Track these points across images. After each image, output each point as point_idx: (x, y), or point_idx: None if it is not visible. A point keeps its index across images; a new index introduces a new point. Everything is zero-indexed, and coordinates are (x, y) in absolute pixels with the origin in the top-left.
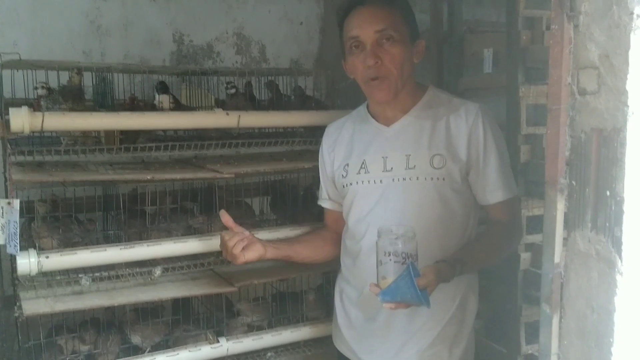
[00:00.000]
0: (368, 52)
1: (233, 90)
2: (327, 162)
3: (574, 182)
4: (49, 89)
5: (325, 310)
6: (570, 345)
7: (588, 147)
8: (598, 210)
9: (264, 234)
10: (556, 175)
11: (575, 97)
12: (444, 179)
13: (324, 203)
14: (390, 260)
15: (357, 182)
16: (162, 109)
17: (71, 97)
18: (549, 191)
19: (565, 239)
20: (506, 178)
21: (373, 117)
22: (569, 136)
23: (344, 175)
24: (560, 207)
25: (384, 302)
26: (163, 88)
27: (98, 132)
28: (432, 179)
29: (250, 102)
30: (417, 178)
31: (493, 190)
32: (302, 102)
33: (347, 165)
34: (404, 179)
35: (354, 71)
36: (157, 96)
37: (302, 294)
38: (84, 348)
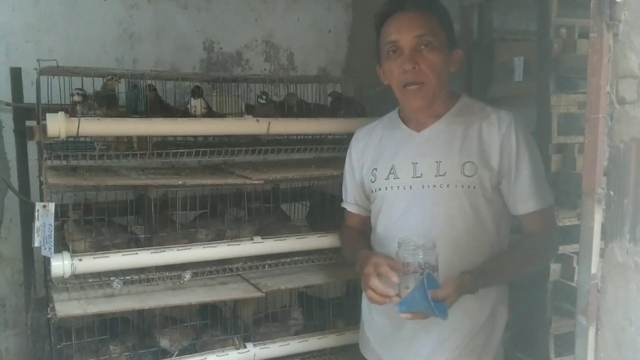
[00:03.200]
0: (406, 57)
1: (264, 100)
2: (356, 168)
3: (612, 193)
4: (85, 95)
5: (351, 318)
6: (607, 358)
7: (627, 157)
8: (637, 221)
9: (291, 241)
10: (594, 185)
11: (614, 106)
12: (475, 187)
13: (350, 207)
14: (409, 270)
15: (386, 188)
16: (194, 114)
17: (105, 103)
18: (586, 201)
19: (602, 250)
20: (539, 188)
21: (404, 122)
22: (608, 146)
23: (373, 180)
24: (598, 217)
25: (401, 312)
26: (198, 93)
27: (131, 137)
28: (462, 186)
29: (279, 110)
30: (448, 185)
31: (525, 200)
32: (341, 105)
33: (376, 169)
34: (434, 186)
35: (389, 76)
36: (191, 100)
37: (329, 301)
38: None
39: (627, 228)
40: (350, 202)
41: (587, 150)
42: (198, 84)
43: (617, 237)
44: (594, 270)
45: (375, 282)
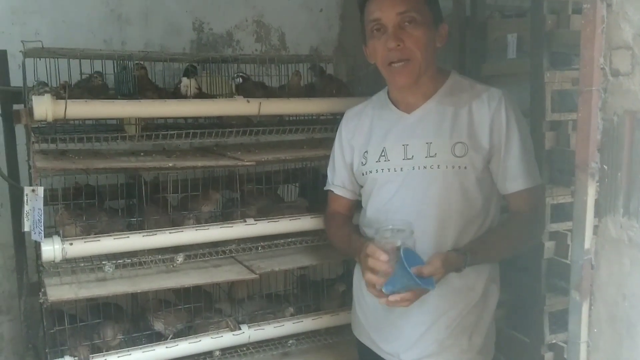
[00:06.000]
0: (390, 34)
1: (239, 80)
2: (347, 149)
3: (605, 167)
4: (43, 83)
5: (345, 299)
6: (600, 333)
7: (621, 130)
8: (630, 195)
9: (285, 222)
10: (587, 159)
11: (608, 78)
12: (465, 168)
13: (337, 190)
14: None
15: (376, 170)
16: (186, 93)
17: (92, 91)
18: (580, 176)
19: (596, 225)
20: (528, 166)
21: (393, 103)
22: (601, 119)
23: (364, 163)
24: (591, 192)
25: (387, 293)
26: (193, 71)
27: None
28: (453, 167)
29: (260, 89)
30: (438, 166)
31: (514, 178)
32: (325, 82)
33: (367, 152)
34: (425, 167)
35: (374, 55)
36: (183, 79)
37: (323, 282)
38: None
39: (620, 202)
40: (338, 185)
41: (581, 123)
42: (189, 63)
43: (610, 212)
44: (587, 245)
45: (368, 275)
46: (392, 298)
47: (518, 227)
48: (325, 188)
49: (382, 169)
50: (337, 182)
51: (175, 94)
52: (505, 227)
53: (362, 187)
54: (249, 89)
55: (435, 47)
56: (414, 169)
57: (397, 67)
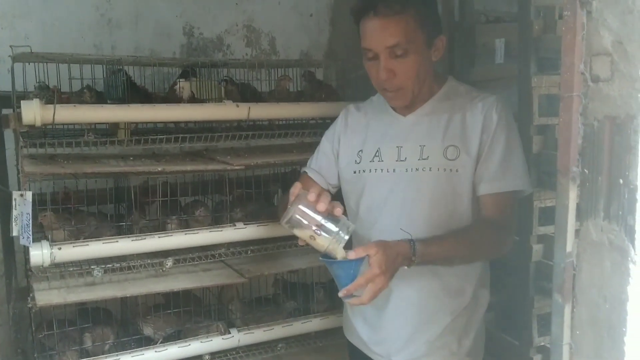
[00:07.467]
0: (381, 67)
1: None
2: (336, 139)
3: (586, 171)
4: (45, 86)
5: (335, 302)
6: (582, 335)
7: (601, 135)
8: (611, 198)
9: (274, 226)
10: (569, 163)
11: (588, 84)
12: (457, 171)
13: (311, 172)
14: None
15: (370, 170)
16: (181, 95)
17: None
18: (561, 180)
19: (577, 229)
20: (508, 171)
21: (391, 106)
22: (582, 124)
23: (357, 162)
24: (573, 196)
25: (346, 291)
26: (192, 73)
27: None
28: (444, 170)
29: (243, 94)
30: (430, 169)
31: (489, 180)
32: (315, 88)
33: (361, 151)
34: (417, 170)
35: (369, 75)
36: (179, 82)
37: (313, 286)
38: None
39: (601, 206)
40: (313, 169)
41: (562, 128)
42: (174, 71)
43: (591, 215)
44: (569, 248)
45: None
46: (340, 294)
47: (482, 231)
48: (302, 170)
49: (375, 169)
50: (314, 165)
51: (168, 96)
52: (469, 229)
53: (353, 185)
54: (234, 92)
55: (430, 65)
56: (406, 170)
57: (390, 95)
